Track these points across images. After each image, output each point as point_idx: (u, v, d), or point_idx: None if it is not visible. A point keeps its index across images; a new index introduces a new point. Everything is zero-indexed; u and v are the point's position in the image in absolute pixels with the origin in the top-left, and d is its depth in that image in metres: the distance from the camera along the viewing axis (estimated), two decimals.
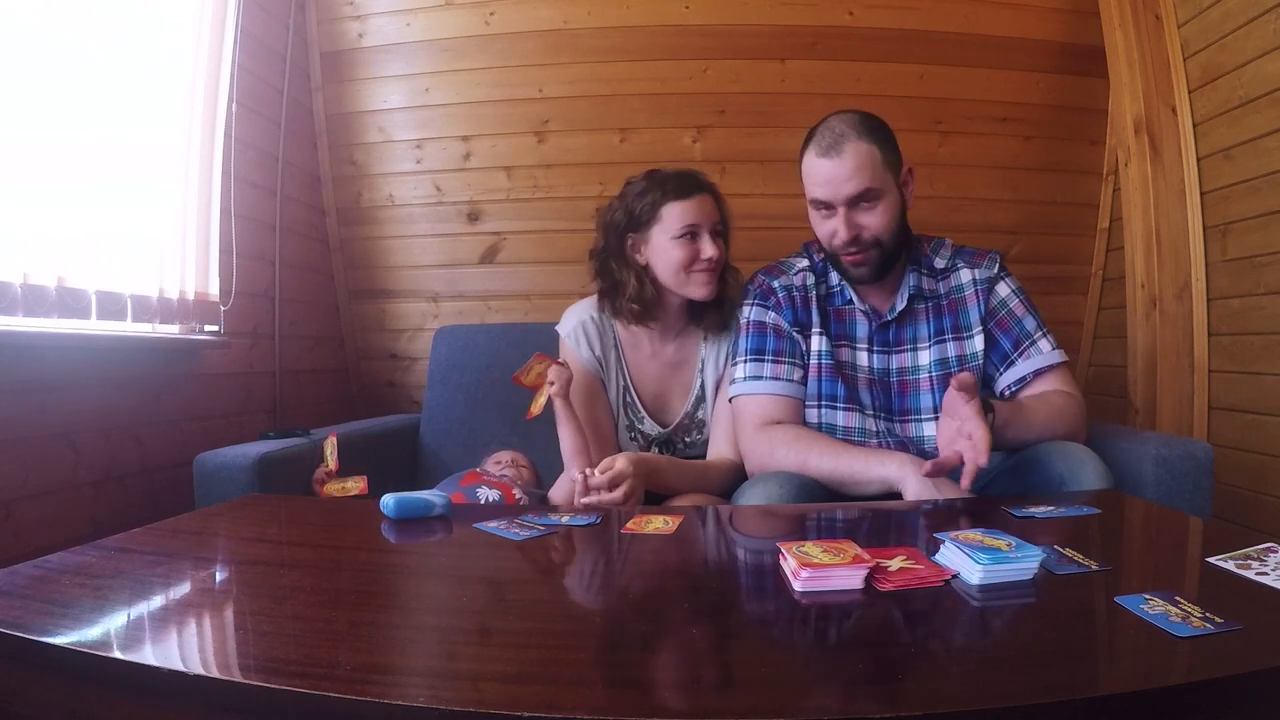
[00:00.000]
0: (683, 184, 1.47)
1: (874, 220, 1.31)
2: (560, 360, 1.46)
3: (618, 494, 1.23)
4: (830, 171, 1.30)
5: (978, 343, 1.38)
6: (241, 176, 1.86)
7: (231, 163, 1.82)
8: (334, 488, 1.41)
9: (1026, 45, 2.20)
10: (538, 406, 1.44)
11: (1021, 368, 1.36)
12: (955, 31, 2.18)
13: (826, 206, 1.33)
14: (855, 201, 1.30)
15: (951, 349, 1.38)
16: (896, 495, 1.40)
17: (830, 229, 1.34)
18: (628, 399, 1.59)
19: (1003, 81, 2.21)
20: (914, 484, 1.20)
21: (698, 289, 1.47)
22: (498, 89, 2.24)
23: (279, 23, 2.12)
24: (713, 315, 1.54)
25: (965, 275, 1.41)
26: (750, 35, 2.18)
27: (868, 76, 2.19)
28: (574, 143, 2.24)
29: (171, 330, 1.66)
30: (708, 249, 1.45)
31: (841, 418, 1.39)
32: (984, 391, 1.36)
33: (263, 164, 2.02)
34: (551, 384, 1.41)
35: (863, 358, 1.41)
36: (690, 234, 1.45)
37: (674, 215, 1.45)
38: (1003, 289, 1.40)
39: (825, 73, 2.19)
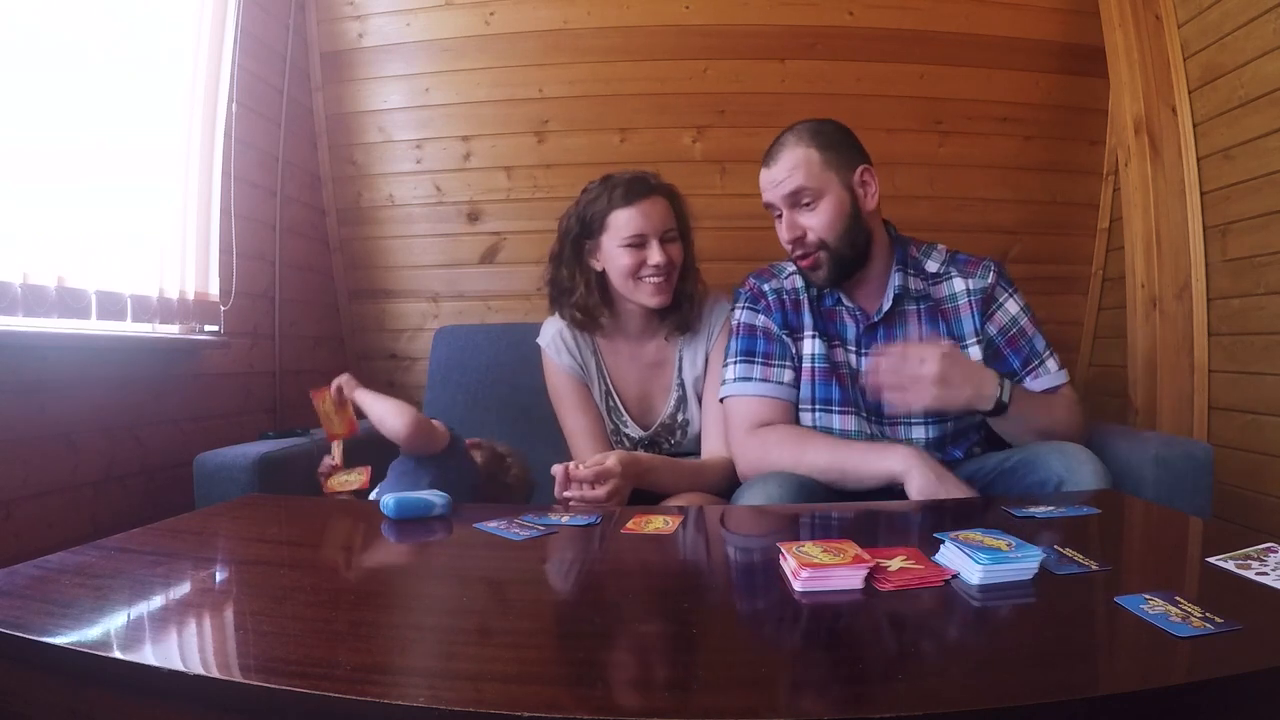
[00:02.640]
0: (631, 190, 1.46)
1: (814, 220, 1.34)
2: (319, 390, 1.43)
3: (600, 492, 1.21)
4: (767, 177, 1.37)
5: (973, 354, 1.38)
6: (241, 176, 1.86)
7: (231, 163, 1.82)
8: (336, 481, 1.40)
9: (1026, 45, 2.20)
10: (342, 423, 1.41)
11: (1030, 386, 1.37)
12: (955, 31, 2.18)
13: (776, 212, 1.39)
14: (794, 203, 1.35)
15: None
16: (896, 494, 1.39)
17: (781, 234, 1.39)
18: (610, 403, 1.59)
19: (1003, 81, 2.21)
20: (919, 479, 1.19)
21: (648, 297, 1.48)
22: (498, 89, 2.24)
23: (279, 23, 2.12)
24: (673, 316, 1.54)
25: (959, 285, 1.40)
26: (750, 35, 2.18)
27: (868, 76, 2.19)
28: (574, 143, 2.24)
29: (171, 330, 1.66)
30: (654, 256, 1.45)
31: (838, 421, 1.38)
32: None
33: (263, 164, 2.02)
34: (339, 392, 1.40)
35: (852, 359, 1.41)
36: (636, 243, 1.45)
37: (620, 223, 1.46)
38: (1012, 306, 1.40)
39: (825, 73, 2.19)
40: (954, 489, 1.18)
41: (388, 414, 1.29)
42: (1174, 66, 1.93)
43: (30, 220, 1.33)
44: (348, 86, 2.30)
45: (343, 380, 1.41)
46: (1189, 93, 1.91)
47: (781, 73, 2.20)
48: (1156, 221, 1.95)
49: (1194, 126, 1.91)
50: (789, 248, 1.38)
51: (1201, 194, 1.90)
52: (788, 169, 1.34)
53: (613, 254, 1.47)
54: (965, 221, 2.24)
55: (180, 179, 1.69)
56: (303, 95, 2.24)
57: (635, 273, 1.46)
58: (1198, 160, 1.90)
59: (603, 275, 1.52)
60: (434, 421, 1.33)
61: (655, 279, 1.46)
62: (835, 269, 1.36)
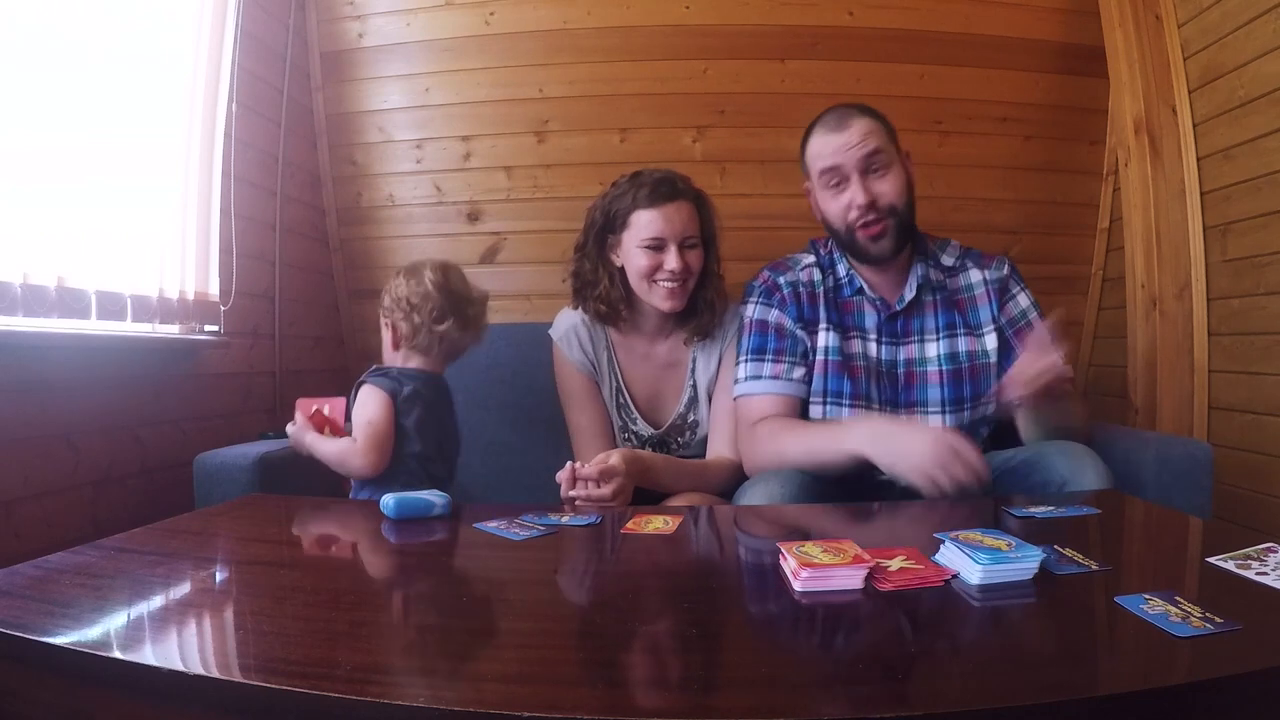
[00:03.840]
0: (656, 191, 1.46)
1: (887, 187, 1.35)
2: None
3: (606, 491, 1.20)
4: (841, 140, 1.35)
5: (989, 341, 1.40)
6: (241, 176, 1.86)
7: (231, 163, 1.82)
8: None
9: (1026, 45, 2.20)
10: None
11: None
12: (955, 31, 2.18)
13: (839, 178, 1.37)
14: (868, 168, 1.35)
15: (963, 344, 1.40)
16: (895, 493, 1.40)
17: (845, 200, 1.37)
18: (621, 400, 1.59)
19: (1003, 81, 2.21)
20: (881, 457, 1.19)
21: (660, 300, 1.47)
22: (498, 89, 2.23)
23: (279, 23, 2.12)
24: (691, 322, 1.54)
25: (975, 275, 1.43)
26: (750, 35, 2.18)
27: (868, 76, 2.19)
28: (574, 143, 2.24)
29: (171, 330, 1.66)
30: (670, 261, 1.44)
31: (848, 414, 1.39)
32: (991, 396, 1.39)
33: (263, 164, 2.01)
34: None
35: (871, 349, 1.42)
36: (655, 245, 1.45)
37: (641, 224, 1.45)
38: (1023, 299, 1.43)
39: (825, 73, 2.19)
40: (910, 440, 1.17)
41: (345, 458, 1.29)
42: (1174, 66, 1.93)
43: (30, 220, 1.33)
44: (348, 86, 2.30)
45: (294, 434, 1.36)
46: (1189, 93, 1.91)
47: (781, 73, 2.20)
48: (1156, 221, 1.95)
49: (1194, 126, 1.91)
50: (856, 214, 1.35)
51: (1201, 194, 1.90)
52: (863, 133, 1.34)
53: (631, 253, 1.47)
54: (965, 221, 2.23)
55: (180, 179, 1.69)
56: (303, 95, 2.24)
57: (650, 275, 1.46)
58: (1198, 160, 1.90)
59: (623, 270, 1.52)
60: (373, 434, 1.29)
61: (669, 284, 1.45)
62: (900, 238, 1.37)
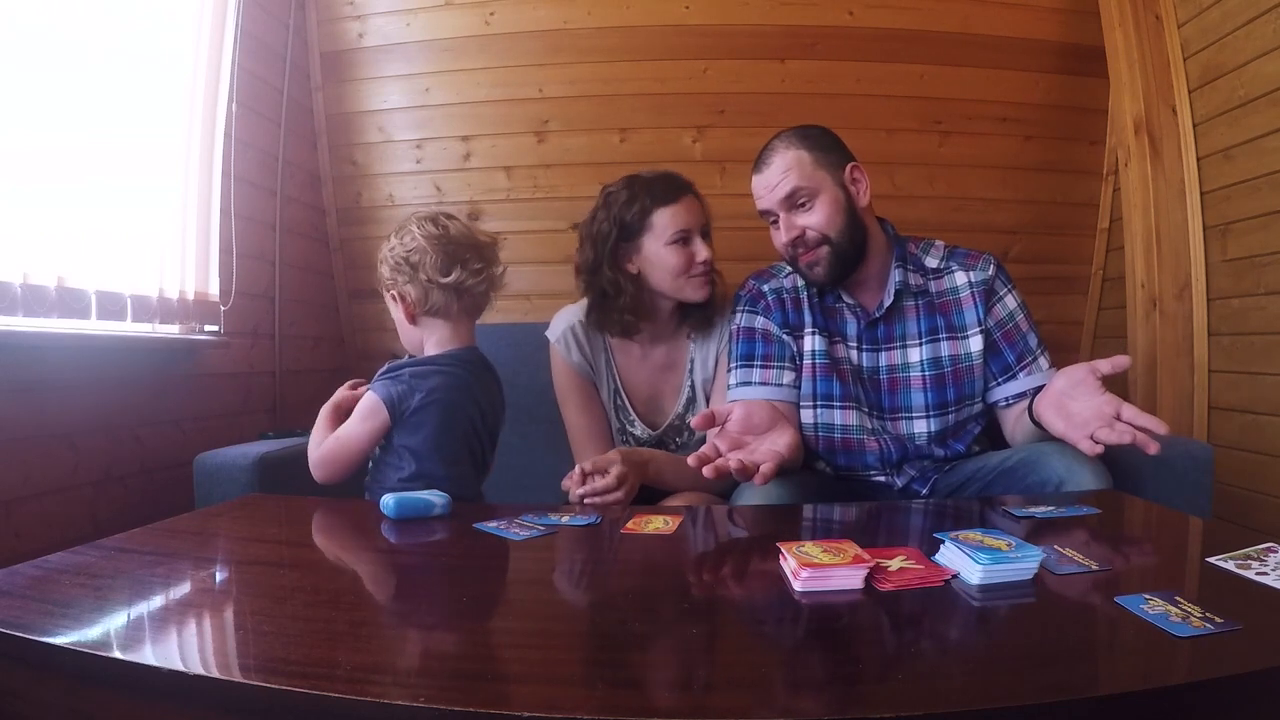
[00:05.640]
0: (668, 188, 1.47)
1: (812, 218, 1.35)
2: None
3: (610, 478, 1.20)
4: (761, 183, 1.38)
5: (974, 344, 1.39)
6: (241, 176, 1.86)
7: (231, 163, 1.83)
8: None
9: (1026, 45, 2.20)
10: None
11: (1023, 383, 1.37)
12: (955, 31, 2.18)
13: (772, 216, 1.39)
14: (791, 205, 1.35)
15: (945, 348, 1.39)
16: (897, 494, 1.40)
17: (779, 237, 1.39)
18: (618, 402, 1.59)
19: (1003, 81, 2.21)
20: None
21: (695, 292, 1.48)
22: (498, 89, 2.24)
23: (279, 23, 2.12)
24: (698, 314, 1.54)
25: (960, 278, 1.41)
26: (750, 35, 2.18)
27: (868, 76, 2.19)
28: (574, 143, 2.24)
29: (171, 330, 1.66)
30: (702, 251, 1.46)
31: (839, 416, 1.39)
32: (977, 398, 1.40)
33: (263, 164, 2.02)
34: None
35: (853, 355, 1.42)
36: (683, 239, 1.45)
37: (664, 221, 1.45)
38: (1010, 301, 1.41)
39: (825, 73, 2.19)
40: None
41: (310, 452, 1.25)
42: (1174, 66, 1.93)
43: (30, 220, 1.33)
44: (348, 86, 2.30)
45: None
46: (1189, 93, 1.91)
47: (781, 73, 2.20)
48: (1156, 221, 1.95)
49: (1194, 126, 1.91)
50: (788, 250, 1.38)
51: (1201, 194, 1.90)
52: (781, 171, 1.35)
53: (658, 254, 1.46)
54: (965, 221, 2.24)
55: (180, 179, 1.69)
56: (303, 95, 2.24)
57: (685, 270, 1.46)
58: (1198, 160, 1.90)
59: (637, 278, 1.51)
60: (332, 450, 1.23)
61: (702, 274, 1.47)
62: (836, 265, 1.36)
